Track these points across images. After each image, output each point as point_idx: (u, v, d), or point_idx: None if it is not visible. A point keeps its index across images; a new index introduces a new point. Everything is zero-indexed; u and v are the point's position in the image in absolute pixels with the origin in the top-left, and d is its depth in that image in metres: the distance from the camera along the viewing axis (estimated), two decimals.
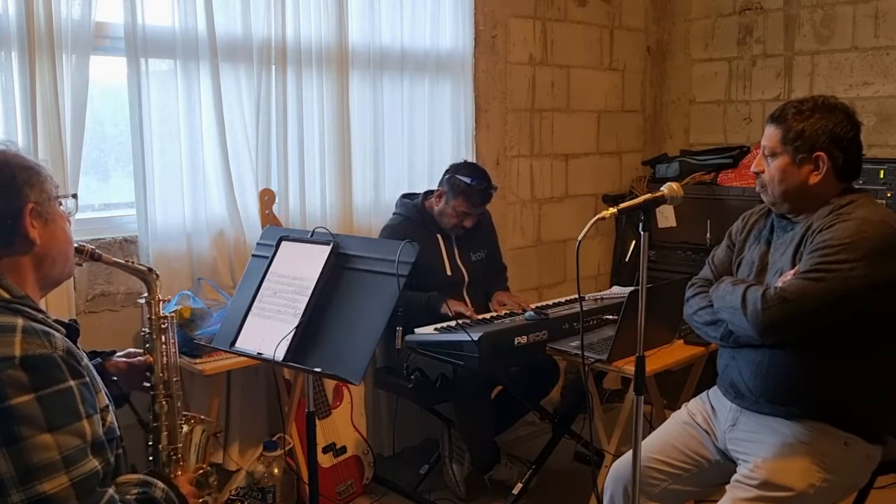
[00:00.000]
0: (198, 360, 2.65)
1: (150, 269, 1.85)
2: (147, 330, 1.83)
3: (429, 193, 3.31)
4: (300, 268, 2.14)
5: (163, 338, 1.83)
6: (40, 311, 1.46)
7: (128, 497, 1.46)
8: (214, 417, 2.86)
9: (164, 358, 1.82)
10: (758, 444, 2.07)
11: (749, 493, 2.00)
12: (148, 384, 1.81)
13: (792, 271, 1.99)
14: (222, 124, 2.90)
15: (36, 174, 1.49)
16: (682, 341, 2.84)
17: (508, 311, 3.11)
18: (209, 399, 2.83)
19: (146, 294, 1.84)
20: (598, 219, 1.86)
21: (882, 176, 3.44)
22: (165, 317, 1.84)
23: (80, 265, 1.70)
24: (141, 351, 1.84)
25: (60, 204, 1.55)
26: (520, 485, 3.12)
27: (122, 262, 1.83)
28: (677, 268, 3.91)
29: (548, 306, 3.12)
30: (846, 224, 1.94)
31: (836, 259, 1.90)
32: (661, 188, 1.98)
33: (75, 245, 1.63)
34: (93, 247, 1.73)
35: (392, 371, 3.28)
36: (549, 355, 2.91)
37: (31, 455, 1.30)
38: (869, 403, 2.04)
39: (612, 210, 1.89)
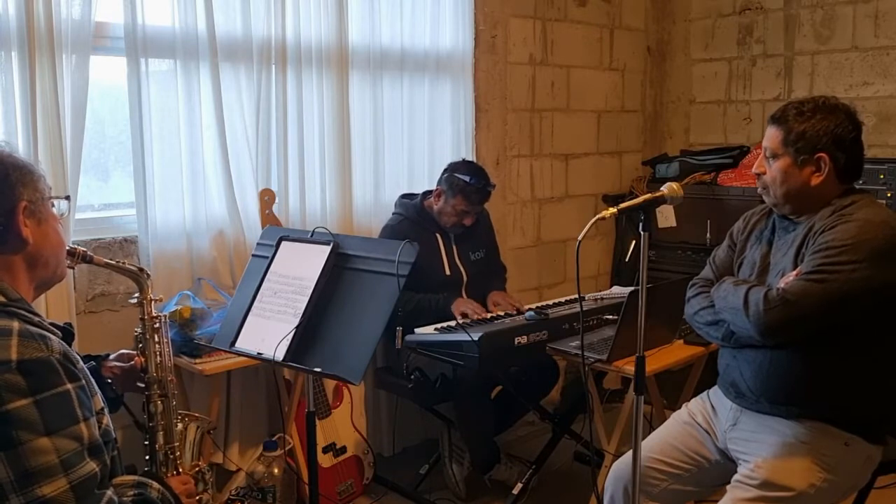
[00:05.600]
0: (198, 360, 2.65)
1: (141, 269, 1.84)
2: (140, 330, 1.82)
3: (427, 193, 3.31)
4: (300, 268, 2.14)
5: (156, 337, 1.82)
6: (36, 314, 1.45)
7: (124, 499, 1.46)
8: (214, 418, 2.86)
9: (158, 357, 1.81)
10: (758, 444, 2.07)
11: (749, 493, 2.00)
12: (142, 384, 1.80)
13: (794, 272, 1.98)
14: (222, 124, 2.90)
15: (29, 173, 1.48)
16: (682, 341, 2.84)
17: (508, 311, 3.10)
18: (209, 399, 2.84)
19: (138, 294, 1.83)
20: (598, 219, 1.86)
21: (882, 176, 3.44)
22: (158, 316, 1.83)
23: (73, 268, 1.69)
24: (134, 352, 1.83)
25: (53, 205, 1.54)
26: (520, 485, 3.12)
27: (114, 263, 1.81)
28: (677, 268, 3.91)
29: (548, 306, 3.11)
30: (848, 225, 1.94)
31: (838, 260, 1.90)
32: (661, 188, 1.98)
33: (67, 247, 1.62)
34: (84, 249, 1.72)
35: (392, 371, 3.28)
36: (549, 355, 2.91)
37: (30, 459, 1.29)
38: (869, 403, 2.04)
39: (612, 210, 1.90)
